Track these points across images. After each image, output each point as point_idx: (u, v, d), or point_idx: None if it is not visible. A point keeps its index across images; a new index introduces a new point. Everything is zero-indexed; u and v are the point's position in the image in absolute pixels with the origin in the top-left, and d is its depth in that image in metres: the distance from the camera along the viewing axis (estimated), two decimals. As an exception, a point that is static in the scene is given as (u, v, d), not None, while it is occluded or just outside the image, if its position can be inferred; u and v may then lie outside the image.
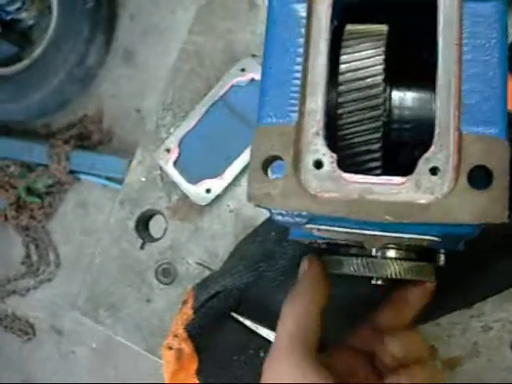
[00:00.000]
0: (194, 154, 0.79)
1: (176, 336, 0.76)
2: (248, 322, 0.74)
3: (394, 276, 0.52)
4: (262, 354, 0.73)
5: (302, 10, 0.45)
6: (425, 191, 0.41)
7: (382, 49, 0.48)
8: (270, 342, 0.72)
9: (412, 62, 0.54)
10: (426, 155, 0.42)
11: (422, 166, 0.42)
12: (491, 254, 0.67)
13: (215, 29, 0.83)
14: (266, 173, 0.43)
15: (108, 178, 2.10)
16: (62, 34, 2.11)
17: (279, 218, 0.43)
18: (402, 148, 0.57)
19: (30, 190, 2.26)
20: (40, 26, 2.20)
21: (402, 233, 0.43)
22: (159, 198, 0.82)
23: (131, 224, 0.84)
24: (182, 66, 0.83)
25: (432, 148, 0.42)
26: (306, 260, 0.55)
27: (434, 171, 0.42)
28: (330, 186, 0.43)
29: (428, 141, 0.43)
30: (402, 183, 0.42)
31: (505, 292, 0.69)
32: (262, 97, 0.44)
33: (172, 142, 0.80)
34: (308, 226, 0.43)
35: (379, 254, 0.52)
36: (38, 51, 2.12)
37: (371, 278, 0.53)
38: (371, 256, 0.53)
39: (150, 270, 0.83)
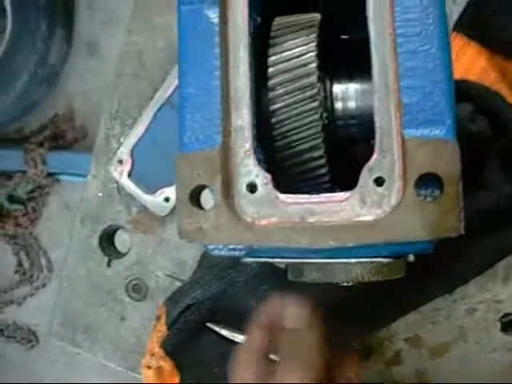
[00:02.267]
0: (148, 162, 0.75)
1: (153, 355, 0.73)
2: (225, 332, 0.71)
3: (360, 280, 0.48)
4: (242, 363, 0.70)
5: (214, 15, 0.40)
6: (371, 206, 0.37)
7: (315, 43, 0.43)
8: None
9: (354, 47, 0.50)
10: (369, 164, 0.37)
11: (366, 176, 0.37)
12: (466, 236, 0.63)
13: (154, 25, 0.77)
14: (195, 205, 0.38)
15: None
16: (20, 35, 2.03)
17: (216, 252, 0.39)
18: (354, 143, 0.53)
19: (11, 198, 2.21)
20: (-4, 31, 2.12)
21: (349, 257, 0.38)
22: (119, 212, 0.78)
23: (94, 242, 0.80)
24: (123, 70, 0.78)
25: (374, 156, 0.37)
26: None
27: (379, 182, 0.37)
28: (267, 210, 0.38)
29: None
30: (346, 199, 0.38)
31: (486, 272, 0.65)
32: (181, 121, 0.39)
33: (123, 153, 0.76)
34: (247, 259, 0.39)
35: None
36: (-3, 56, 2.04)
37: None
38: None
39: (120, 287, 0.79)
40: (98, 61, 2.14)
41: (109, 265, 0.79)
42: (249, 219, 0.38)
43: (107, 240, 0.79)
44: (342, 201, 0.38)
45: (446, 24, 0.38)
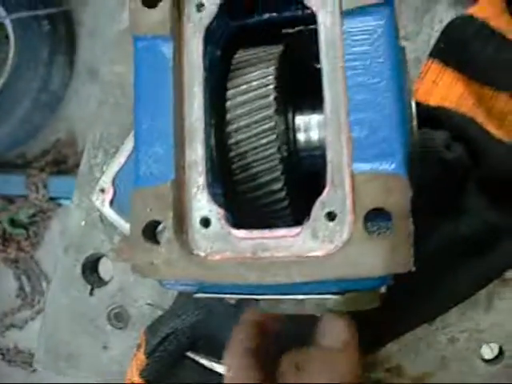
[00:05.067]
0: (129, 191, 0.75)
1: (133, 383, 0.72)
2: (204, 361, 0.70)
3: (336, 310, 0.47)
4: (220, 391, 0.70)
5: (168, 51, 0.40)
6: (323, 240, 0.37)
7: (273, 76, 0.43)
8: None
9: (317, 77, 0.50)
10: (321, 199, 0.37)
11: (318, 211, 0.37)
12: (450, 265, 0.62)
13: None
14: (148, 240, 0.38)
15: (88, 201, 2.05)
16: (22, 62, 2.06)
17: (169, 287, 0.39)
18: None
19: (13, 222, 2.23)
20: (-1, 57, 2.15)
21: (298, 294, 0.38)
22: (102, 240, 0.78)
23: (78, 270, 0.79)
24: (106, 99, 0.78)
25: (326, 189, 0.37)
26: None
27: (331, 216, 0.37)
28: (220, 245, 0.38)
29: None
30: (298, 234, 0.37)
31: (467, 300, 0.64)
32: (136, 156, 0.40)
33: (105, 182, 0.76)
34: (199, 295, 0.39)
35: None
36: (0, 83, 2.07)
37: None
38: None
39: (102, 315, 0.79)
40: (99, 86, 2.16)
41: (91, 293, 0.79)
42: (202, 254, 0.38)
43: (90, 268, 0.79)
44: (294, 235, 0.37)
45: (397, 56, 0.38)
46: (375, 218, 0.36)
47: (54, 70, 2.09)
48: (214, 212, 0.39)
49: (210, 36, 0.42)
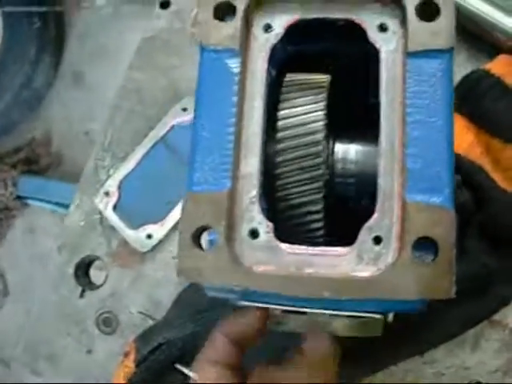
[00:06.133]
0: (135, 197, 0.75)
1: (119, 391, 0.72)
2: (192, 374, 0.70)
3: (339, 334, 0.49)
4: (206, 406, 0.70)
5: (235, 65, 0.41)
6: (368, 263, 0.39)
7: (324, 103, 0.46)
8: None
9: (358, 107, 0.52)
10: (369, 224, 0.39)
11: (365, 235, 0.39)
12: (445, 302, 0.65)
13: (157, 64, 0.79)
14: (196, 244, 0.39)
15: (57, 204, 2.02)
16: (9, 56, 2.04)
17: (212, 293, 0.40)
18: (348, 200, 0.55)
19: (-24, 217, 2.17)
20: (-15, 49, 2.11)
21: (342, 310, 0.40)
22: (99, 243, 0.78)
23: (70, 271, 0.79)
24: (121, 104, 0.79)
25: (375, 215, 0.39)
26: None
27: (377, 240, 0.39)
28: (265, 257, 0.39)
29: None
30: (344, 254, 0.39)
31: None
32: (192, 161, 0.41)
33: (111, 185, 0.76)
34: (242, 303, 0.40)
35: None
36: (-17, 74, 2.04)
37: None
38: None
39: (90, 318, 0.78)
40: (81, 91, 2.15)
41: (82, 295, 0.78)
42: (247, 264, 0.39)
43: (83, 270, 0.79)
44: (339, 255, 0.39)
45: (452, 98, 0.40)
46: (419, 246, 0.38)
47: (39, 69, 2.08)
48: (264, 225, 0.40)
49: (271, 56, 0.44)
